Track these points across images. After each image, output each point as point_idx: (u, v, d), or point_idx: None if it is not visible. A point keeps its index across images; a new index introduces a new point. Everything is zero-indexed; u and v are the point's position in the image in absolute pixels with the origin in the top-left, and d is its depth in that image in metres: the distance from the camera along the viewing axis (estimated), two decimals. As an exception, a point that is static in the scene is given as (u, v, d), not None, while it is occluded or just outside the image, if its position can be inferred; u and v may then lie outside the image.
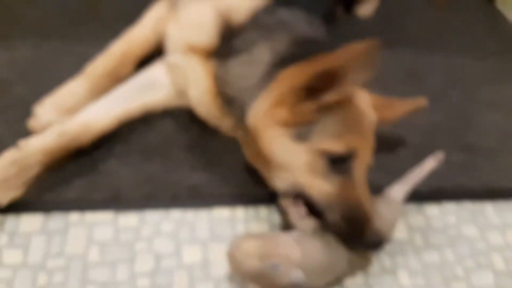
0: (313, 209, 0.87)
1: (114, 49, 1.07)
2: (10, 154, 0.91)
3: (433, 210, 1.05)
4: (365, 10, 1.48)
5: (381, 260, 0.96)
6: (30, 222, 0.93)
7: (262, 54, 0.92)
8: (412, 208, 1.04)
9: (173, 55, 1.05)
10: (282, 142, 0.86)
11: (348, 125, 0.86)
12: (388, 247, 0.97)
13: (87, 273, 0.87)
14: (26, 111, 1.02)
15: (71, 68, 1.08)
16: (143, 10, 1.14)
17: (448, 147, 1.12)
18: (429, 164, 0.99)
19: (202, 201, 0.99)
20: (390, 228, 0.89)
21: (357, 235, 0.83)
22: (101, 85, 1.02)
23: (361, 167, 0.87)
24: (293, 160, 0.86)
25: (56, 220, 0.94)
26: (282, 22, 0.97)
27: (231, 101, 0.95)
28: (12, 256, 0.88)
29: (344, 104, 0.86)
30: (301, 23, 0.99)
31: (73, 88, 1.02)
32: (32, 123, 1.00)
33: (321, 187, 0.85)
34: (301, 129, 0.85)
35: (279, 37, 0.94)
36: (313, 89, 0.83)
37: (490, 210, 1.08)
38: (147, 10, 1.14)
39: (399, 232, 1.00)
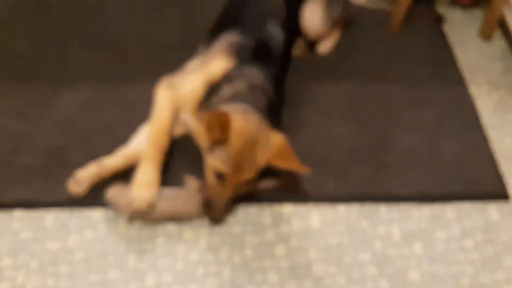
0: None
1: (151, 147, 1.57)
2: (95, 165, 1.58)
3: (341, 208, 1.60)
4: (324, 47, 1.90)
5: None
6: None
7: (227, 91, 1.55)
8: (326, 206, 1.59)
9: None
10: (205, 147, 1.50)
11: (232, 159, 1.43)
12: (302, 231, 1.55)
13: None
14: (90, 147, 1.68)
15: (118, 107, 1.71)
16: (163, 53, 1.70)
17: (362, 163, 1.63)
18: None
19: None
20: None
21: (211, 210, 1.49)
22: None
23: (229, 185, 1.47)
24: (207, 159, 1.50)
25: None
26: (243, 75, 1.57)
27: None
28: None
29: (234, 145, 1.42)
30: (255, 75, 1.58)
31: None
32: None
33: (211, 180, 1.49)
34: (212, 147, 1.44)
35: (239, 83, 1.56)
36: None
37: (383, 209, 1.60)
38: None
39: (313, 221, 1.57)
